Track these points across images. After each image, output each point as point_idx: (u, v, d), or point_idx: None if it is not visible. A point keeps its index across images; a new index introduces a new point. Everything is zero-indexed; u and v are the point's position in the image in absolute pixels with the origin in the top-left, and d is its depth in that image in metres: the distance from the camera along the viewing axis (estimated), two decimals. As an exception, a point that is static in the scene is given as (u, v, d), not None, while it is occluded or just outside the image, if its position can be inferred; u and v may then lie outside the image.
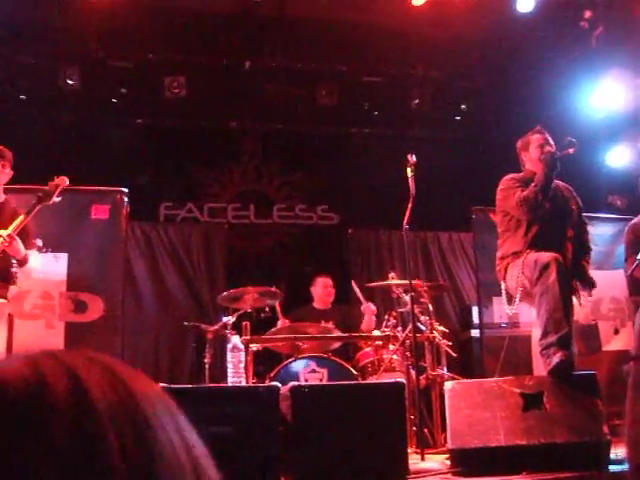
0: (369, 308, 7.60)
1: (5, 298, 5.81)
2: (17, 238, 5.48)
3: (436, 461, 5.15)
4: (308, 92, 9.69)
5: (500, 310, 7.89)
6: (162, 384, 4.49)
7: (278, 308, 7.53)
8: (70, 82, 9.00)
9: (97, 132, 9.63)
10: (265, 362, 7.07)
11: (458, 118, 10.09)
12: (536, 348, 5.30)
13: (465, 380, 6.03)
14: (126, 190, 7.41)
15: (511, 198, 5.53)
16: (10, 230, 5.45)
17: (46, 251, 6.52)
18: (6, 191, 6.04)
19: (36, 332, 6.99)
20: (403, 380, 4.97)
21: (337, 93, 9.58)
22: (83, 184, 7.33)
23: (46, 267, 6.37)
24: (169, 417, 0.71)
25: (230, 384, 5.67)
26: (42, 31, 8.61)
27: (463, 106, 9.92)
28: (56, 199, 5.68)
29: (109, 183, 7.62)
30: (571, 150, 5.51)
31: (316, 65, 9.56)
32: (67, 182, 5.76)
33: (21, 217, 5.52)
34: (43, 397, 0.64)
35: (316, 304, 8.14)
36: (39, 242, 5.82)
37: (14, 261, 5.64)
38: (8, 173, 5.84)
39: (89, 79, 9.13)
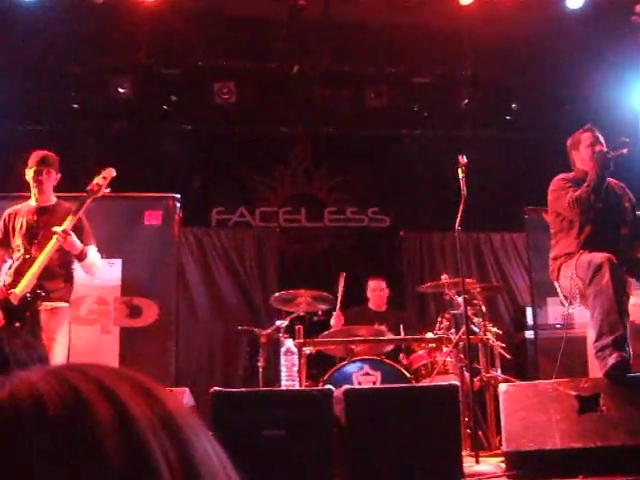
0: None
1: (68, 302, 5.93)
2: (72, 233, 5.62)
3: (491, 464, 5.11)
4: (357, 95, 9.68)
5: (554, 311, 7.81)
6: (216, 388, 4.54)
7: (338, 303, 7.50)
8: (121, 91, 9.13)
9: (148, 139, 9.75)
10: (318, 365, 7.08)
11: (508, 117, 9.99)
12: (591, 350, 5.23)
13: (520, 382, 5.96)
14: (178, 196, 7.49)
15: (563, 199, 5.44)
16: (65, 226, 5.61)
17: (101, 257, 6.64)
18: (63, 199, 6.18)
19: (92, 337, 7.11)
20: (457, 382, 4.95)
21: (386, 95, 9.55)
22: (136, 191, 7.45)
23: (101, 273, 6.46)
24: (199, 427, 0.71)
25: (283, 388, 5.69)
26: (92, 42, 8.74)
27: (513, 105, 9.83)
28: (105, 190, 5.80)
29: (161, 189, 7.72)
30: (625, 150, 5.41)
31: (364, 67, 9.54)
32: (114, 173, 5.86)
33: (75, 214, 5.68)
34: (86, 416, 0.63)
35: (371, 305, 8.15)
36: (70, 221, 5.87)
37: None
38: (55, 177, 6.00)
39: (140, 87, 9.24)
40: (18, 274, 5.66)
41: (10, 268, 5.85)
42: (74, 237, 5.64)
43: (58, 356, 5.65)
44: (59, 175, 6.02)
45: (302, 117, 9.94)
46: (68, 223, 5.63)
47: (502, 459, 4.92)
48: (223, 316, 9.13)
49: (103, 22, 8.28)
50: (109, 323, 7.25)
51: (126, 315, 7.26)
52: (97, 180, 5.79)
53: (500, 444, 5.18)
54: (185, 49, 9.08)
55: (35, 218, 5.90)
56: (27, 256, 5.71)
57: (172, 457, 0.64)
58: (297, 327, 6.28)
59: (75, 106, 9.42)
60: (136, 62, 9.12)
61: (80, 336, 6.71)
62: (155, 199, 7.60)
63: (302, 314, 6.93)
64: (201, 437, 0.69)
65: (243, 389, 5.48)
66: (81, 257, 5.82)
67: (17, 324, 5.47)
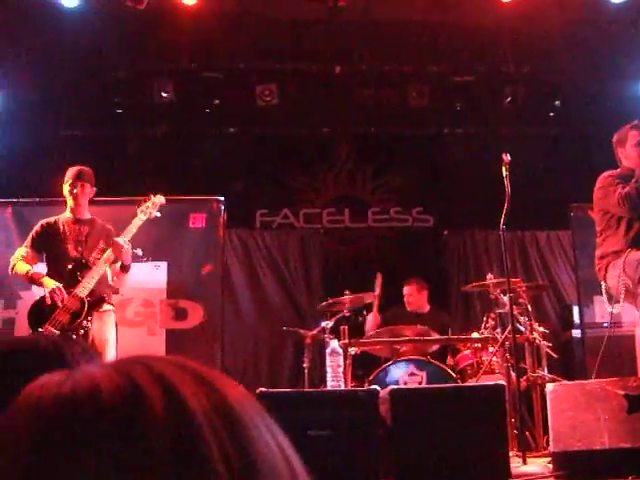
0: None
1: (113, 305, 6.12)
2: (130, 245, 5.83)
3: (538, 464, 5.08)
4: (399, 94, 9.65)
5: (602, 309, 7.70)
6: (261, 389, 4.56)
7: (375, 304, 7.53)
8: (164, 95, 9.22)
9: (192, 142, 9.83)
10: (363, 366, 7.08)
11: (552, 114, 9.89)
12: (640, 348, 5.17)
13: (567, 382, 5.90)
14: (222, 198, 7.54)
15: (611, 196, 5.36)
16: (128, 237, 5.80)
17: (146, 260, 6.74)
18: (105, 203, 6.33)
19: (138, 339, 7.19)
20: (503, 382, 4.92)
21: (428, 94, 9.51)
22: (180, 194, 7.51)
23: (147, 275, 6.55)
24: (261, 420, 0.71)
25: (329, 388, 5.70)
26: (135, 47, 8.85)
27: (557, 102, 9.72)
28: (156, 214, 6.04)
29: (205, 192, 7.78)
30: None
31: (406, 67, 9.52)
32: (164, 200, 6.15)
33: (133, 228, 5.88)
34: (140, 406, 0.64)
35: (408, 306, 8.12)
36: (139, 252, 6.05)
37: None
38: (90, 191, 6.17)
39: (182, 91, 9.33)
40: (70, 274, 5.81)
41: (53, 269, 5.99)
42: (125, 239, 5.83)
43: (110, 356, 5.79)
44: (94, 189, 6.18)
45: (344, 118, 9.93)
46: (128, 235, 5.84)
47: (549, 459, 4.87)
48: (268, 317, 9.17)
49: (145, 27, 8.36)
50: (155, 325, 7.32)
51: (172, 317, 7.33)
52: (149, 204, 6.03)
53: (547, 444, 5.14)
54: (227, 52, 9.13)
55: (77, 227, 6.08)
56: (83, 261, 5.87)
57: (229, 449, 0.65)
58: (342, 327, 6.29)
59: (119, 111, 9.54)
60: (179, 66, 9.21)
61: (127, 338, 6.80)
62: (199, 202, 7.66)
63: (347, 314, 6.94)
64: (263, 431, 0.69)
65: (289, 390, 5.50)
66: (128, 269, 6.03)
67: (84, 322, 5.61)
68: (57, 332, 5.55)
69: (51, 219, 6.20)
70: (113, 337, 6.02)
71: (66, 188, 6.10)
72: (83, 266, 5.83)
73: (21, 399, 0.68)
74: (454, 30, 8.78)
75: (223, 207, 7.51)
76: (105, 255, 5.81)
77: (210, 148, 9.83)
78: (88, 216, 6.22)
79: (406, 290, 8.10)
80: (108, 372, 0.68)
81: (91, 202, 6.24)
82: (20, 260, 6.03)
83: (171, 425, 0.64)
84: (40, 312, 5.73)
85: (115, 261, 5.86)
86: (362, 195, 10.30)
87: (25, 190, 7.89)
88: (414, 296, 8.05)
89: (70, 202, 6.11)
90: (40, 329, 5.69)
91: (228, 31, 8.63)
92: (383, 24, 8.91)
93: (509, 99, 9.53)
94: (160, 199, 6.13)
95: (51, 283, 5.73)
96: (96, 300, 5.78)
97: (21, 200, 7.67)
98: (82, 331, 5.61)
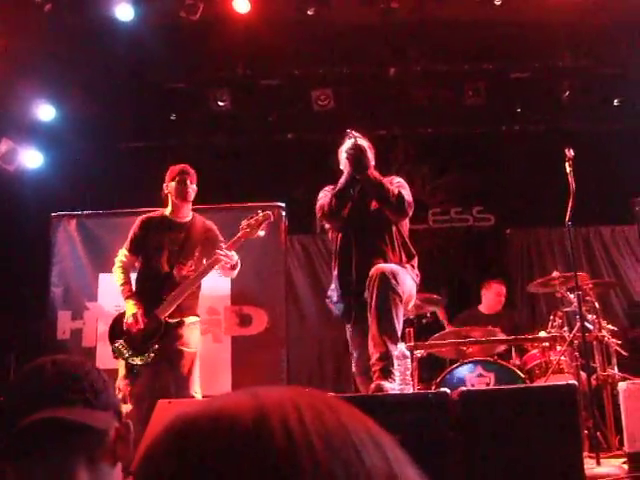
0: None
1: (198, 315, 6.17)
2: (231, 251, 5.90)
3: (613, 465, 4.98)
4: (455, 94, 9.60)
5: (672, 304, 7.55)
6: (329, 394, 4.56)
7: (443, 317, 7.49)
8: (221, 104, 9.31)
9: (250, 150, 9.89)
10: (429, 368, 7.05)
11: (612, 107, 9.72)
12: None
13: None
14: (283, 205, 7.57)
15: None
16: (226, 252, 5.85)
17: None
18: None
19: (205, 346, 7.23)
20: (575, 382, 4.84)
21: (484, 92, 9.44)
22: (241, 201, 7.56)
23: (211, 282, 6.60)
24: (372, 443, 0.70)
25: (397, 392, 5.67)
26: (190, 57, 8.95)
27: (617, 96, 9.54)
28: (261, 233, 6.01)
29: (265, 199, 7.82)
30: None
31: (461, 66, 9.47)
32: (272, 218, 6.11)
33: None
34: (260, 436, 0.66)
35: (483, 308, 8.04)
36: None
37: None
38: (195, 189, 6.17)
39: (239, 99, 9.40)
40: (155, 292, 5.87)
41: (142, 281, 6.07)
42: (232, 253, 5.89)
43: (189, 362, 5.87)
44: (196, 188, 6.20)
45: (401, 119, 9.91)
46: (230, 248, 5.90)
47: (624, 460, 4.79)
48: (332, 322, 9.14)
49: (200, 37, 8.45)
50: (220, 332, 7.37)
51: (237, 324, 7.37)
52: (255, 220, 6.00)
53: (620, 444, 5.05)
54: (281, 59, 9.18)
55: (174, 235, 6.07)
56: (171, 277, 5.92)
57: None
58: (407, 330, 6.26)
59: (176, 121, 9.65)
60: (234, 74, 9.29)
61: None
62: (260, 209, 7.69)
63: (412, 317, 6.90)
64: (373, 454, 0.69)
65: (357, 394, 5.49)
66: (236, 266, 6.03)
67: (155, 346, 5.69)
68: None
69: (152, 215, 6.23)
70: (199, 346, 6.07)
71: (171, 185, 6.08)
72: (171, 283, 5.88)
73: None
74: (507, 27, 8.67)
75: (284, 213, 7.54)
76: (199, 271, 5.89)
77: (268, 154, 9.88)
78: (189, 217, 6.20)
79: (498, 289, 8.04)
80: (241, 398, 0.71)
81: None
82: (119, 267, 6.09)
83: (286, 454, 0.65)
84: (120, 325, 5.84)
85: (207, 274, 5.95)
86: (421, 196, 10.22)
87: (88, 204, 8.03)
88: (504, 295, 8.02)
89: (175, 199, 6.10)
90: (116, 343, 5.80)
91: (282, 38, 8.67)
92: (436, 24, 8.86)
93: (567, 93, 9.40)
94: (267, 216, 6.05)
95: (131, 309, 5.79)
96: (174, 324, 5.83)
97: (85, 213, 7.79)
98: (152, 355, 5.67)
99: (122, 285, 5.98)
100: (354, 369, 5.46)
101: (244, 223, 5.97)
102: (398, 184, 5.43)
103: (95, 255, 7.48)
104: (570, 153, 5.62)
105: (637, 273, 9.08)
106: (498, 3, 8.17)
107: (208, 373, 6.62)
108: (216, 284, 7.10)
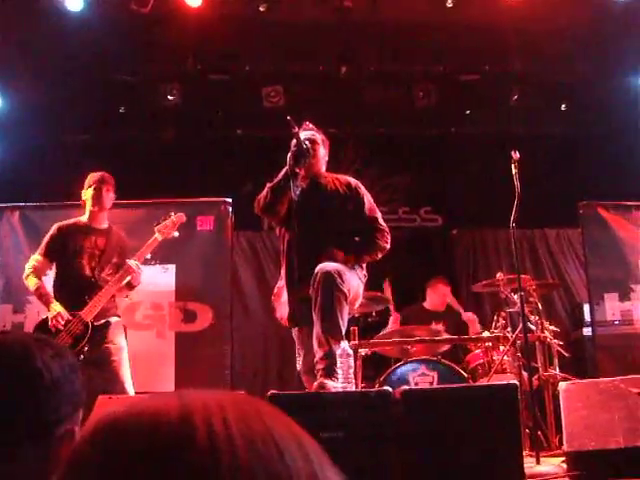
0: (470, 317, 7.58)
1: (119, 316, 6.15)
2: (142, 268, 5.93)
3: (552, 464, 5.03)
4: (405, 94, 9.63)
5: (612, 307, 7.67)
6: (272, 391, 4.53)
7: (391, 305, 7.51)
8: (170, 98, 9.22)
9: (198, 145, 9.81)
10: (373, 366, 7.05)
11: (559, 112, 9.84)
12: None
13: (580, 380, 5.86)
14: (230, 200, 7.52)
15: None
16: (138, 261, 5.88)
17: (155, 263, 6.75)
18: (115, 206, 6.32)
19: (148, 342, 7.18)
20: (516, 381, 4.88)
21: (435, 94, 9.49)
22: (187, 196, 7.49)
23: (155, 279, 6.54)
24: (295, 444, 0.72)
25: (340, 389, 5.66)
26: (140, 50, 8.84)
27: (564, 101, 9.67)
28: (175, 234, 6.07)
29: (212, 194, 7.76)
30: None
31: (412, 67, 9.51)
32: (184, 219, 6.17)
33: (148, 250, 5.99)
34: (183, 435, 0.66)
35: (428, 305, 8.08)
36: (147, 255, 6.03)
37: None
38: (112, 197, 6.15)
39: (188, 94, 9.32)
40: (77, 294, 5.83)
41: (62, 285, 6.01)
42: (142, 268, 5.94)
43: (118, 359, 5.91)
44: (115, 196, 6.18)
45: (351, 118, 9.91)
46: (140, 257, 5.91)
47: (563, 459, 4.84)
48: (277, 320, 9.14)
49: (150, 30, 8.36)
50: (164, 328, 7.31)
51: (181, 320, 7.32)
52: (167, 222, 6.05)
53: (560, 444, 5.10)
54: (232, 55, 9.12)
55: (94, 239, 6.05)
56: (93, 280, 5.89)
57: None
58: (352, 328, 6.26)
59: (124, 114, 9.54)
60: (184, 69, 9.20)
61: (136, 341, 6.80)
62: (207, 204, 7.64)
63: (357, 315, 6.90)
64: (298, 458, 0.70)
65: (300, 392, 5.47)
66: (133, 288, 6.14)
67: (85, 348, 5.64)
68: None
69: (69, 222, 6.17)
70: (124, 343, 6.07)
71: (88, 193, 6.06)
72: (93, 286, 5.86)
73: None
74: (459, 30, 8.72)
75: (231, 209, 7.50)
76: (116, 277, 5.86)
77: (217, 150, 9.81)
78: (106, 225, 6.19)
79: (444, 290, 8.08)
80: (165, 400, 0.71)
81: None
82: (31, 272, 6.03)
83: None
84: (44, 333, 5.72)
85: (124, 281, 5.92)
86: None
87: (30, 195, 7.89)
88: (449, 295, 8.07)
89: (91, 207, 6.06)
90: None
91: (233, 33, 8.62)
92: (389, 25, 8.88)
93: (516, 97, 9.49)
94: (180, 218, 6.13)
95: (55, 308, 5.75)
96: (100, 326, 5.83)
97: (28, 205, 7.66)
98: (81, 356, 5.60)
99: (38, 288, 5.96)
100: (300, 367, 5.45)
101: (159, 227, 6.02)
102: (369, 208, 5.51)
103: (38, 247, 7.35)
104: (516, 155, 5.67)
105: (580, 275, 9.20)
106: (450, 6, 8.22)
107: (151, 369, 6.56)
108: (161, 280, 7.05)
